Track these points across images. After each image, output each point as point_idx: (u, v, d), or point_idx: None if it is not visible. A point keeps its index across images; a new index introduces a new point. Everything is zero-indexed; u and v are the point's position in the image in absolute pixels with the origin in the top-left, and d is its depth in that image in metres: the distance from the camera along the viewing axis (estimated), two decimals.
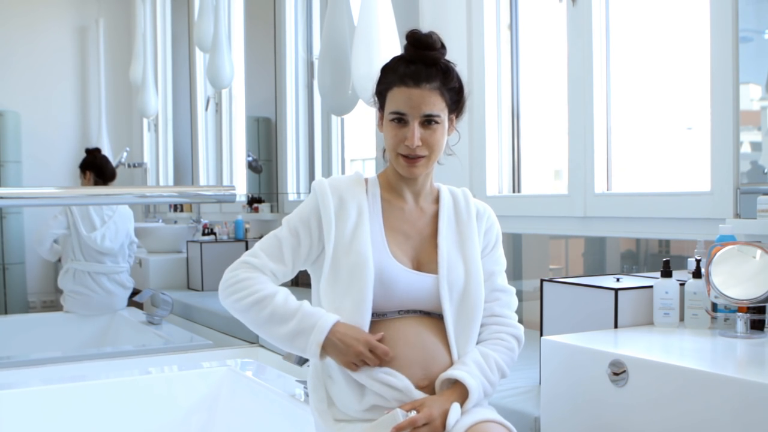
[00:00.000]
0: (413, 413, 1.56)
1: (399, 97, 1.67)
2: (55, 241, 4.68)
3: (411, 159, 1.69)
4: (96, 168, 4.72)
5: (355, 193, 1.74)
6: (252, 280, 1.68)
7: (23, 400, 2.56)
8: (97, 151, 4.89)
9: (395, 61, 1.72)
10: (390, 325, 1.68)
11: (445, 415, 1.58)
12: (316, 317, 1.64)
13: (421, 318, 1.71)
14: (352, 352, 1.61)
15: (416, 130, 1.66)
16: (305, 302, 1.69)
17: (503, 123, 3.23)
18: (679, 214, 2.40)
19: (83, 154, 4.87)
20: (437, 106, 1.67)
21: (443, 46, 1.72)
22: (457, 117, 1.76)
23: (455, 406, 1.60)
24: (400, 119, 1.67)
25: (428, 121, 1.67)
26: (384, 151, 1.77)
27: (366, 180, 1.79)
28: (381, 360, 1.63)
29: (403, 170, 1.71)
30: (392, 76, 1.69)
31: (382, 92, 1.73)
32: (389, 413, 1.56)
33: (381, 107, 1.74)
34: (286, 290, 1.70)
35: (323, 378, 1.71)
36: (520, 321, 1.82)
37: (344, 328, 1.63)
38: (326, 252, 1.69)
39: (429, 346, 1.68)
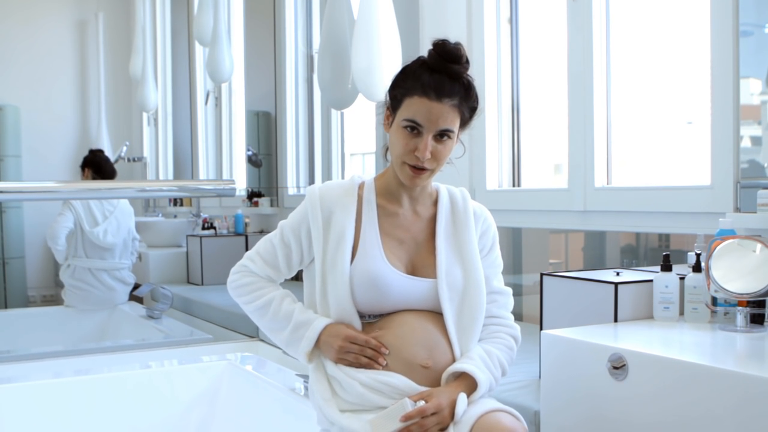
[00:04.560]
0: (422, 403, 1.57)
1: (418, 108, 1.63)
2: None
3: (417, 170, 1.67)
4: (95, 165, 4.73)
5: (346, 203, 1.74)
6: (252, 285, 1.78)
7: (23, 395, 2.57)
8: (99, 151, 4.94)
9: (418, 65, 1.66)
10: (390, 318, 1.71)
11: (453, 405, 1.60)
12: (305, 328, 1.71)
13: (420, 311, 1.72)
14: (336, 348, 1.67)
15: (429, 143, 1.64)
16: (297, 308, 1.74)
17: (503, 117, 3.22)
18: (679, 208, 2.40)
19: (83, 148, 4.88)
20: (454, 122, 1.65)
21: (468, 61, 1.67)
22: (462, 129, 1.73)
23: (462, 396, 1.61)
24: (414, 128, 1.64)
25: (441, 134, 1.65)
26: (386, 149, 1.75)
27: (362, 185, 1.79)
28: (373, 350, 1.65)
29: (406, 179, 1.70)
30: (413, 82, 1.64)
31: (398, 96, 1.67)
32: (398, 403, 1.57)
33: (392, 108, 1.70)
34: (282, 294, 1.77)
35: (324, 369, 1.73)
36: (520, 315, 1.82)
37: (331, 328, 1.69)
38: (315, 263, 1.74)
39: (431, 331, 1.69)
